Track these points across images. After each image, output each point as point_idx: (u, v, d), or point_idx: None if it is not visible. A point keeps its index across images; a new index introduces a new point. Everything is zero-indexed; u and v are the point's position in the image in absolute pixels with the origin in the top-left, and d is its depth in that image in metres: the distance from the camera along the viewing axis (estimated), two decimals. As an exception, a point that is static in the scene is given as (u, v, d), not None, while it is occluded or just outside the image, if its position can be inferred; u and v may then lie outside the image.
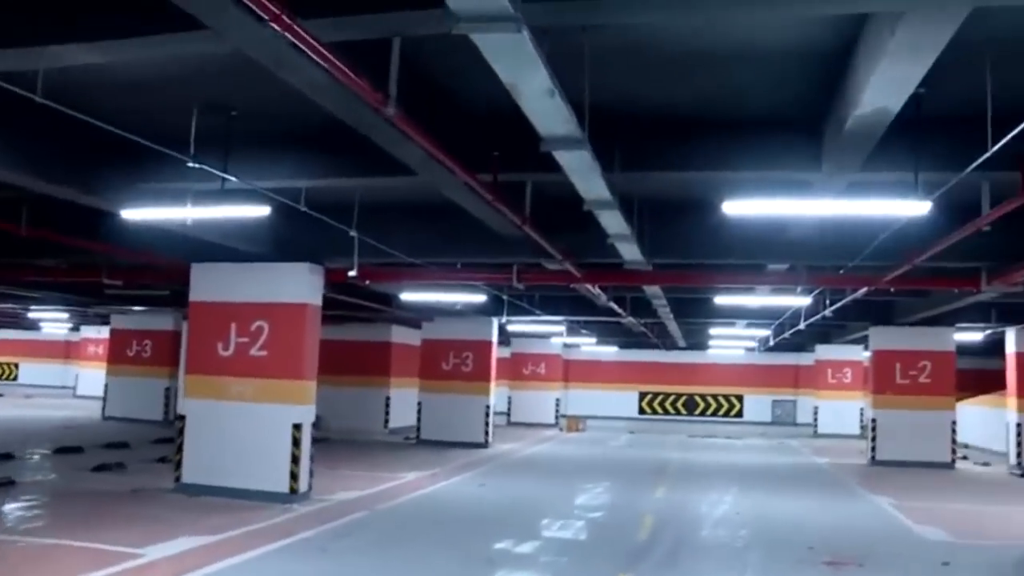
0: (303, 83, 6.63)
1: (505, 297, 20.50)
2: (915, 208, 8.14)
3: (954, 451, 23.45)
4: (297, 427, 13.54)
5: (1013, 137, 6.79)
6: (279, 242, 13.81)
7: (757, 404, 43.93)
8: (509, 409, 37.76)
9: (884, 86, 6.31)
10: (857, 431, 34.31)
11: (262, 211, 9.58)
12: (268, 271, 13.92)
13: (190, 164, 7.88)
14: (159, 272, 16.92)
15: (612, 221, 9.98)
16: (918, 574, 10.53)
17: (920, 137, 8.12)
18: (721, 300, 17.11)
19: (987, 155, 7.12)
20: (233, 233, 12.93)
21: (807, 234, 12.38)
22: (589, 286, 15.23)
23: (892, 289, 13.72)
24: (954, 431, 23.49)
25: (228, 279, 14.13)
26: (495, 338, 26.29)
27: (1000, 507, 16.19)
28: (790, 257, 12.87)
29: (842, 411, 34.64)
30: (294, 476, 13.48)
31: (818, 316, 18.70)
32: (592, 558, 10.80)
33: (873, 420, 23.67)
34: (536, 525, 12.99)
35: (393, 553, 10.68)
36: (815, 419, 35.35)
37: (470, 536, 11.98)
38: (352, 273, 11.88)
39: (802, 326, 21.38)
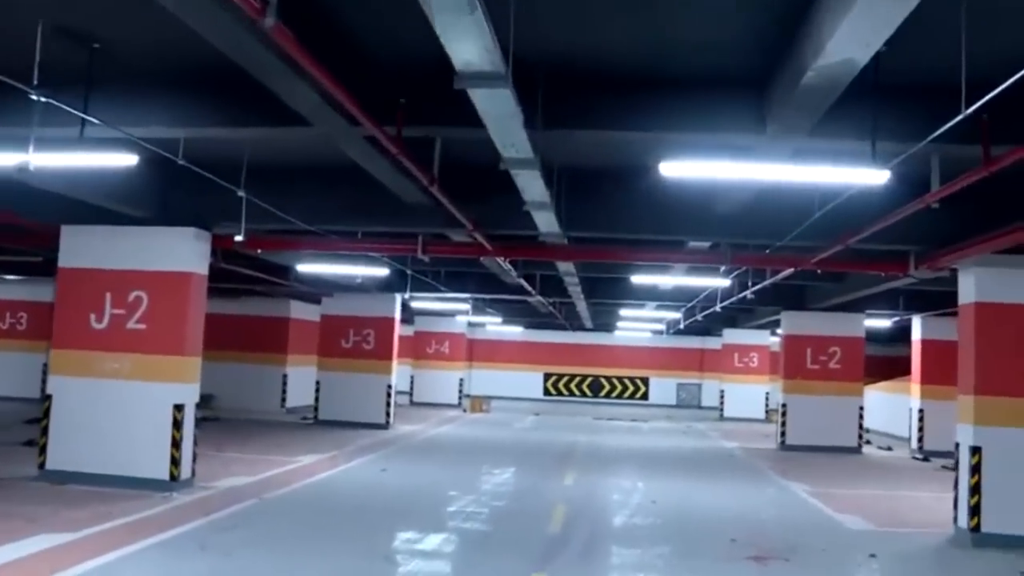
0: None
1: (409, 272, 19.39)
2: (872, 176, 7.39)
3: (861, 436, 23.38)
4: (179, 407, 12.26)
5: (976, 108, 6.08)
6: (162, 205, 12.47)
7: (662, 387, 43.85)
8: (412, 389, 36.70)
9: (858, 31, 5.49)
10: (763, 415, 34.37)
11: (127, 160, 8.26)
12: (148, 236, 12.53)
13: (35, 97, 6.57)
14: (28, 236, 15.29)
15: (531, 184, 9.03)
16: (846, 568, 9.94)
17: (878, 102, 7.37)
18: (638, 279, 16.34)
19: (953, 122, 6.38)
20: (110, 193, 11.55)
21: (735, 211, 11.65)
22: (500, 260, 14.27)
23: (819, 271, 13.15)
24: (861, 417, 23.41)
25: (103, 244, 12.68)
26: (398, 315, 25.19)
27: (911, 492, 15.97)
28: (716, 234, 12.14)
29: (748, 395, 34.62)
30: (175, 461, 12.21)
31: (736, 298, 18.13)
32: (503, 553, 9.89)
33: (783, 405, 23.41)
34: (441, 515, 12.04)
35: (283, 548, 9.58)
36: (721, 403, 35.26)
37: (369, 528, 10.95)
38: (239, 238, 10.63)
39: (719, 307, 20.86)
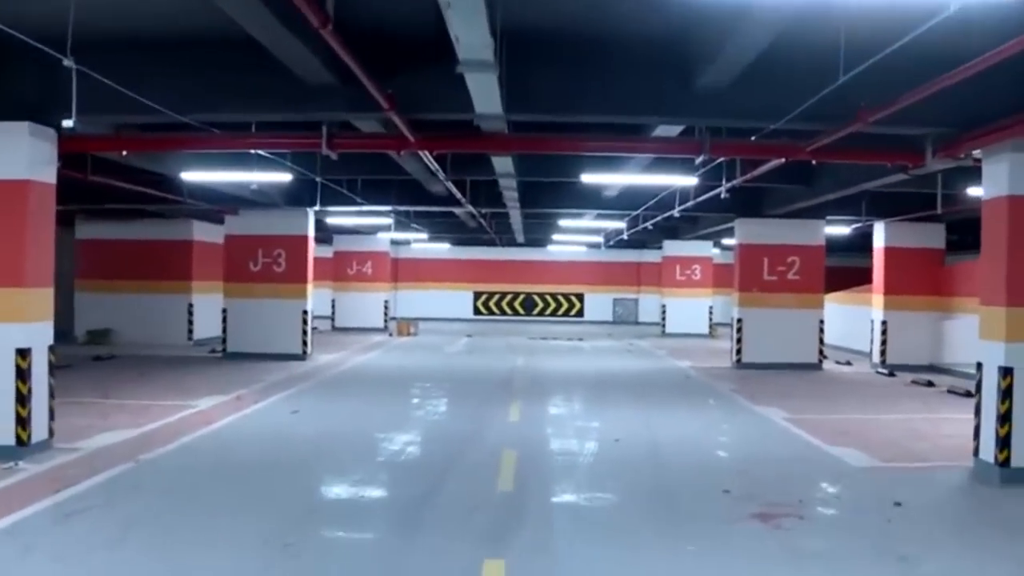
0: None
1: (318, 180, 16.63)
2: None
3: (821, 352, 21.69)
4: (23, 353, 9.64)
5: None
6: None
7: (598, 303, 42.02)
8: (333, 313, 34.14)
9: None
10: (706, 330, 32.71)
11: None
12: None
13: None
14: None
15: (470, 27, 6.47)
16: (875, 523, 7.91)
17: None
18: (588, 178, 13.85)
19: None
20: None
21: (720, 85, 9.29)
22: (425, 156, 11.69)
23: (813, 162, 10.92)
24: (822, 331, 21.68)
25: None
26: (311, 232, 22.49)
27: (895, 415, 14.23)
28: (695, 114, 9.76)
29: (691, 310, 32.87)
30: (22, 421, 9.62)
31: (704, 198, 15.71)
32: (444, 532, 7.60)
33: (738, 320, 21.53)
34: (362, 474, 9.72)
35: (147, 539, 7.15)
36: (663, 318, 33.46)
37: (269, 495, 8.57)
38: (68, 124, 7.86)
39: (677, 212, 18.49)
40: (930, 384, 18.31)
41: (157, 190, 17.07)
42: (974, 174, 15.89)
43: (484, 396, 16.13)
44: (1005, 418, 9.55)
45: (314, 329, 33.40)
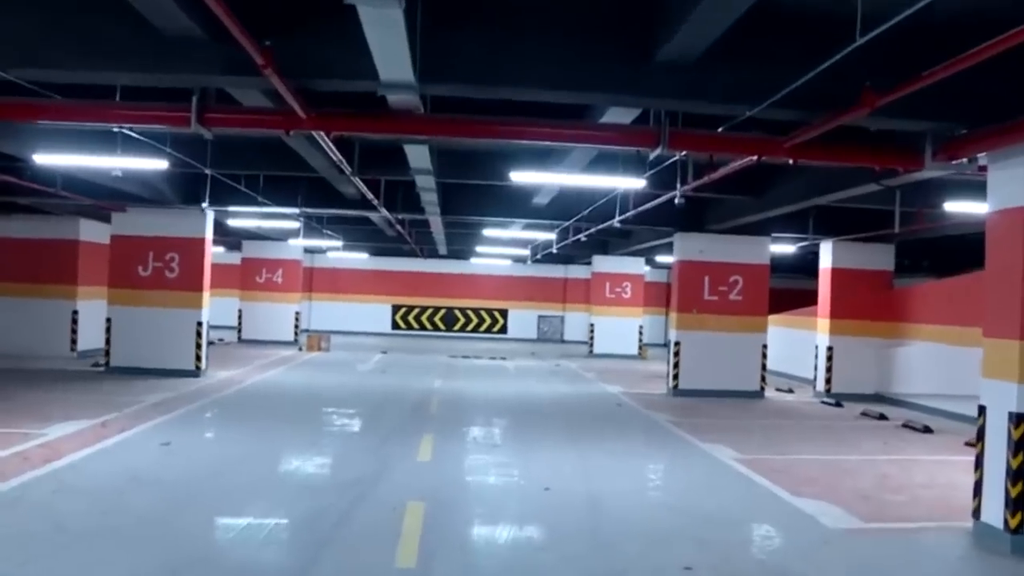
0: None
1: (208, 172, 14.38)
2: None
3: (763, 378, 20.13)
4: None
5: None
6: None
7: (522, 320, 40.25)
8: (240, 325, 31.65)
9: None
10: (636, 351, 31.07)
11: None
12: None
13: None
14: None
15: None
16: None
17: None
18: (518, 176, 11.86)
19: None
20: None
21: (686, 58, 7.47)
22: (328, 145, 9.66)
23: (791, 161, 9.17)
24: (765, 356, 20.12)
25: None
26: (209, 235, 20.17)
27: (858, 456, 12.67)
28: (652, 93, 7.90)
29: (621, 329, 31.18)
30: None
31: (651, 205, 13.83)
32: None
33: (676, 343, 19.83)
34: (231, 534, 7.61)
35: None
36: (591, 337, 31.68)
37: (101, 567, 6.42)
38: None
39: (616, 222, 16.43)
40: (883, 417, 16.84)
41: (19, 179, 14.68)
42: (944, 188, 14.61)
43: (394, 426, 14.09)
44: (1018, 475, 7.89)
45: (220, 341, 31.21)
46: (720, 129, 8.72)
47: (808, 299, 25.31)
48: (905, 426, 15.75)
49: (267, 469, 10.35)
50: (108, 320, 19.79)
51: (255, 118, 8.96)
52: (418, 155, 11.06)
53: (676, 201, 11.04)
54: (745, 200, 16.82)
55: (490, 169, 14.31)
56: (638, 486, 10.35)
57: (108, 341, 19.73)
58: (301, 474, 10.41)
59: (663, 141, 8.55)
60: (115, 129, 9.99)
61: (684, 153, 10.37)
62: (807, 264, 26.15)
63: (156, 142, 11.82)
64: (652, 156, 9.06)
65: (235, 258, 33.23)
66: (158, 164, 11.92)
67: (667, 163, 11.48)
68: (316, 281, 39.95)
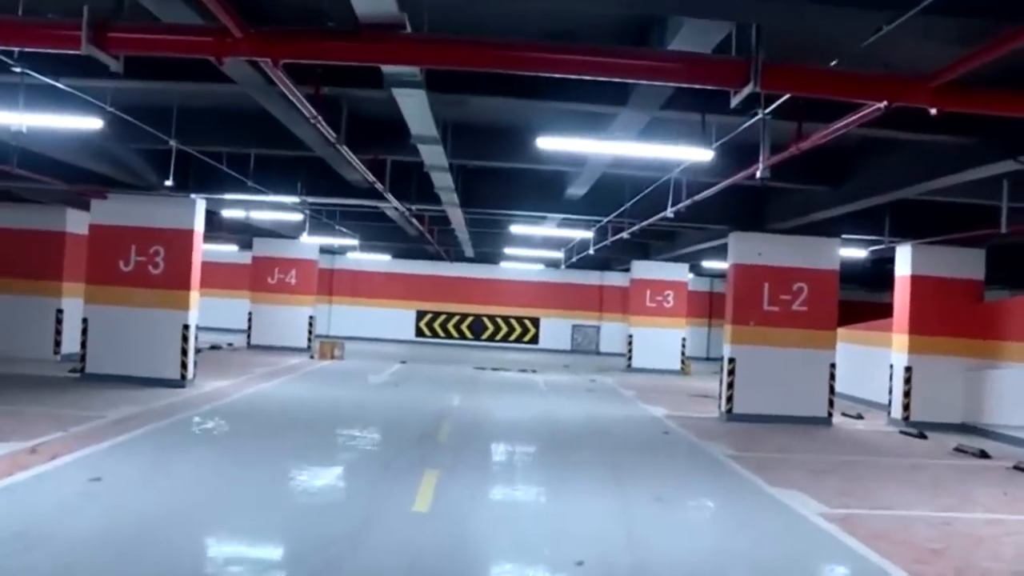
0: None
1: (173, 144, 11.81)
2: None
3: (831, 402, 17.37)
4: None
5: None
6: None
7: (555, 329, 37.60)
8: (249, 329, 29.28)
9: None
10: (678, 366, 28.33)
11: None
12: None
13: None
14: None
15: None
16: None
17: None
18: (548, 144, 9.05)
19: None
20: None
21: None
22: (269, 68, 6.98)
23: (933, 111, 6.43)
24: (833, 377, 17.38)
25: None
26: (199, 226, 17.78)
27: (978, 513, 9.91)
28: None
29: (662, 342, 28.44)
30: None
31: (729, 182, 10.70)
32: None
33: (731, 360, 17.13)
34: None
35: None
36: (629, 350, 28.97)
37: None
38: None
39: (670, 212, 13.31)
40: (984, 455, 14.03)
41: None
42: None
43: (392, 456, 11.55)
44: None
45: (229, 346, 28.92)
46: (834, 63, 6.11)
47: (868, 313, 22.58)
48: (1017, 468, 12.96)
49: (204, 527, 7.81)
50: (84, 321, 17.45)
51: (173, 39, 6.41)
52: (416, 112, 8.49)
53: (758, 176, 8.39)
54: (817, 191, 14.17)
55: (515, 146, 11.77)
56: (703, 559, 7.70)
57: (84, 344, 17.38)
58: (263, 529, 7.85)
59: (755, 75, 5.94)
60: (16, 70, 7.55)
61: (767, 113, 7.75)
62: (867, 273, 23.39)
63: (94, 98, 9.36)
64: (736, 100, 6.44)
65: (246, 257, 30.91)
66: (87, 123, 9.44)
67: (737, 132, 8.86)
68: (336, 284, 37.63)
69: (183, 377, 17.15)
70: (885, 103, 6.21)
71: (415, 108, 8.17)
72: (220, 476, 9.83)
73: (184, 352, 17.26)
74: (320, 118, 8.30)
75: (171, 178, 12.67)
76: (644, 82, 7.12)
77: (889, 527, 8.82)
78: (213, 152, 13.93)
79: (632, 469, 11.57)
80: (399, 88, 7.35)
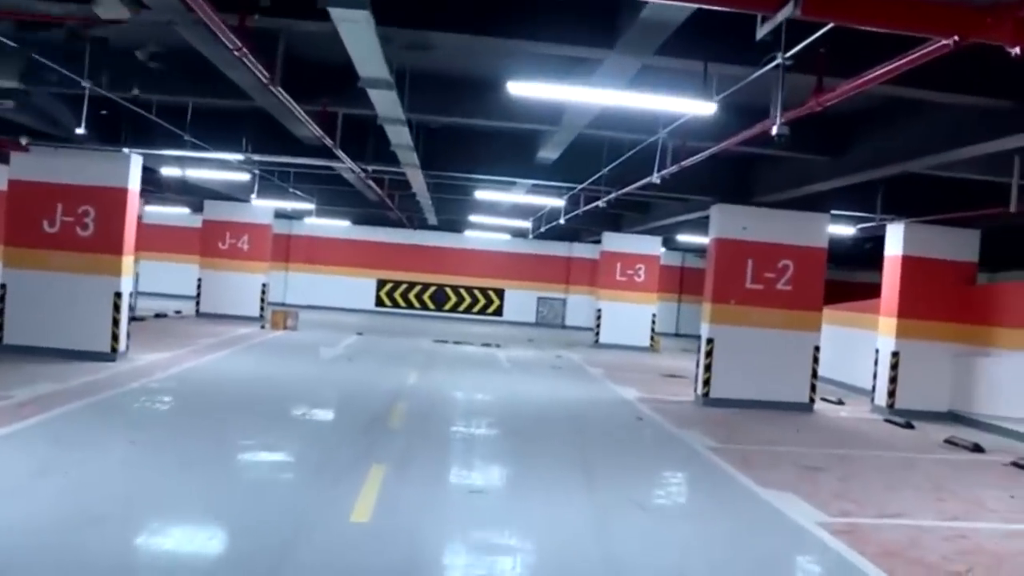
0: None
1: (86, 86, 10.23)
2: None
3: (813, 388, 16.29)
4: None
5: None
6: None
7: (520, 301, 36.34)
8: (198, 296, 27.69)
9: None
10: (647, 343, 27.21)
11: None
12: None
13: None
14: None
15: None
16: None
17: None
18: (519, 89, 7.65)
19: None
20: None
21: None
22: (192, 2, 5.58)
23: (1015, 51, 5.18)
24: (816, 360, 16.28)
25: None
26: (135, 185, 16.25)
27: (997, 523, 8.80)
28: None
29: (632, 317, 27.26)
30: None
31: (755, 134, 9.03)
32: None
33: (709, 341, 15.97)
34: None
35: None
36: (597, 326, 27.79)
37: None
38: None
39: (656, 178, 11.84)
40: (978, 449, 13.01)
41: None
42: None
43: (335, 446, 10.25)
44: None
45: (176, 313, 27.34)
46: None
47: (851, 294, 21.53)
48: (1016, 465, 11.93)
49: (82, 546, 6.42)
50: (2, 287, 15.87)
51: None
52: (362, 45, 6.99)
53: (774, 132, 7.12)
54: (815, 161, 12.95)
55: (483, 100, 10.42)
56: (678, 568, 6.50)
57: (1, 312, 15.82)
58: (138, 551, 6.47)
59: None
60: None
61: (788, 58, 6.45)
62: (850, 252, 22.35)
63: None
64: (764, 31, 5.13)
65: (198, 221, 29.25)
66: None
67: (741, 84, 7.57)
68: (293, 251, 36.06)
69: (114, 350, 15.68)
70: (955, 38, 4.94)
71: (360, 39, 6.77)
72: (125, 473, 8.40)
73: (116, 322, 15.77)
74: (247, 51, 6.90)
75: (83, 126, 11.14)
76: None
77: (899, 541, 7.69)
78: (144, 102, 12.39)
79: (606, 465, 10.35)
80: (337, 8, 5.96)
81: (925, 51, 5.36)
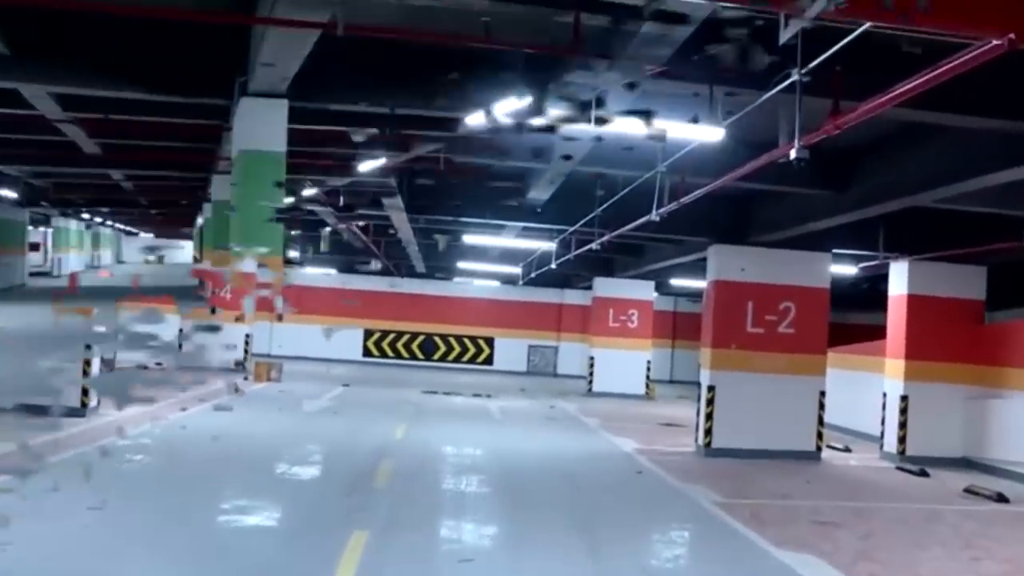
0: None
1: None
2: None
3: (820, 435, 15.55)
4: None
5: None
6: None
7: (510, 349, 35.50)
8: (181, 346, 26.73)
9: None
10: (643, 391, 26.44)
11: None
12: None
13: None
14: None
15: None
16: None
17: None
18: (505, 109, 6.79)
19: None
20: None
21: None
22: None
23: None
24: (822, 406, 15.56)
25: None
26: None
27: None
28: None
29: (626, 364, 26.51)
30: None
31: (776, 158, 8.15)
32: None
33: (710, 388, 15.24)
34: None
35: None
36: (591, 373, 27.02)
37: None
38: None
39: (656, 216, 11.09)
40: (1002, 499, 12.25)
41: None
42: None
43: (314, 511, 9.44)
44: None
45: (157, 365, 26.37)
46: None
47: (849, 336, 20.80)
48: (1045, 516, 11.21)
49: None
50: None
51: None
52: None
53: (792, 156, 6.47)
54: (817, 196, 12.35)
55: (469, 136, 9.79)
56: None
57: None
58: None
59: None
60: None
61: (804, 73, 5.83)
62: (847, 293, 21.67)
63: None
64: (788, 34, 4.53)
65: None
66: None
67: (748, 109, 6.97)
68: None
69: (84, 405, 14.87)
70: (1011, 36, 4.30)
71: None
72: (63, 556, 7.41)
73: (86, 373, 14.98)
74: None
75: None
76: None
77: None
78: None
79: (606, 525, 9.57)
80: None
81: (971, 55, 4.72)
